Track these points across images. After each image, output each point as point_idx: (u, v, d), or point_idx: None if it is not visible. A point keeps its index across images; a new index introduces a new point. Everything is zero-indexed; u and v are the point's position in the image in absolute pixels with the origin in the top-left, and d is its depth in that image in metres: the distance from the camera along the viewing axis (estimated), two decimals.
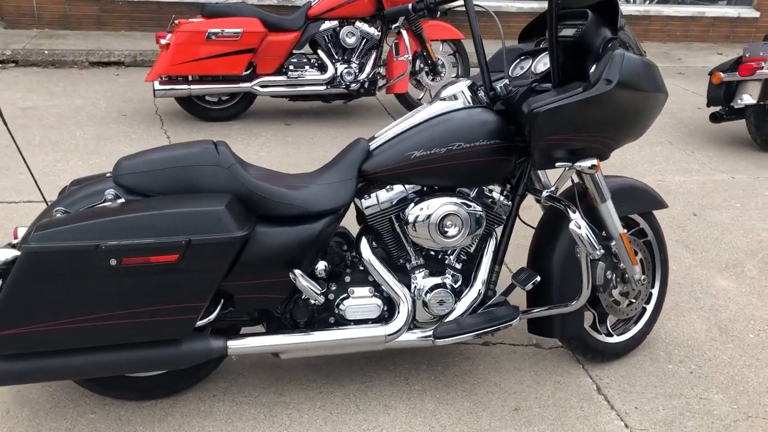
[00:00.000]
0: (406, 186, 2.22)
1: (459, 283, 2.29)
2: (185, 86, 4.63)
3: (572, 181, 2.41)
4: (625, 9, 8.34)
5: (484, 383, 2.42)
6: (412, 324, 2.24)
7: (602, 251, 2.16)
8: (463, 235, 2.20)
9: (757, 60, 4.70)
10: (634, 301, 2.55)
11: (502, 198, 2.30)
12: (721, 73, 4.79)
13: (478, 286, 2.27)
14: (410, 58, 4.92)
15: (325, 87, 4.86)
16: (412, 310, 2.20)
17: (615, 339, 2.55)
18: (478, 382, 2.43)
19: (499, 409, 2.31)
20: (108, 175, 2.09)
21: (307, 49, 4.90)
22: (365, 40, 4.91)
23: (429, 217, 2.16)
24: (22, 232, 1.95)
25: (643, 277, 2.46)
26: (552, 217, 2.42)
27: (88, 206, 1.95)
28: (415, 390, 2.38)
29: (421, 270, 2.27)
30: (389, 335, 2.18)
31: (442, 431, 2.20)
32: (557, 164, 2.18)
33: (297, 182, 2.16)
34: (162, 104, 5.12)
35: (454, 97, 2.26)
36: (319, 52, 4.87)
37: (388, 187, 2.22)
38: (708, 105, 4.99)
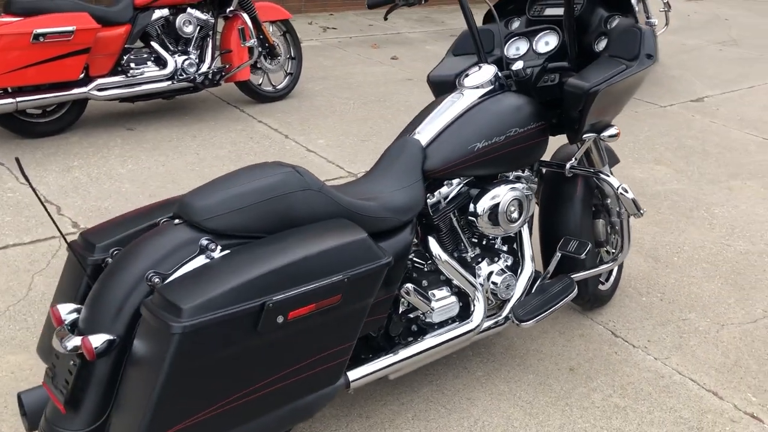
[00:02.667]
0: (461, 179, 2.22)
1: (511, 264, 2.36)
2: (8, 100, 3.87)
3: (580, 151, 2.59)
4: None
5: (529, 353, 2.55)
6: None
7: (644, 210, 2.40)
8: (524, 217, 2.28)
9: None
10: (614, 250, 2.85)
11: (533, 176, 2.41)
12: None
13: (529, 263, 2.37)
14: (256, 42, 4.68)
15: (168, 83, 4.42)
16: (485, 300, 2.24)
17: (606, 285, 2.85)
18: (524, 354, 2.55)
19: (558, 372, 2.46)
20: (164, 220, 1.78)
21: (139, 43, 4.39)
22: (200, 27, 4.54)
23: (497, 205, 2.19)
24: (67, 311, 1.62)
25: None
26: (555, 187, 2.59)
27: (184, 262, 1.64)
28: (481, 376, 2.42)
29: (480, 259, 2.29)
30: (476, 329, 2.19)
31: (531, 407, 2.30)
32: (585, 136, 2.35)
33: (369, 193, 2.04)
34: None
35: (480, 86, 2.29)
36: (154, 44, 4.39)
37: (447, 182, 2.20)
38: None
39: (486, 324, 2.24)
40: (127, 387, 1.54)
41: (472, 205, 2.19)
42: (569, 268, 2.51)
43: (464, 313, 2.23)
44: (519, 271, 2.36)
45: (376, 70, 6.17)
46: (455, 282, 2.19)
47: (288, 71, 5.21)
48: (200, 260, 1.65)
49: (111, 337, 1.54)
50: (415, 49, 7.06)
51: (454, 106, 2.23)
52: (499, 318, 2.29)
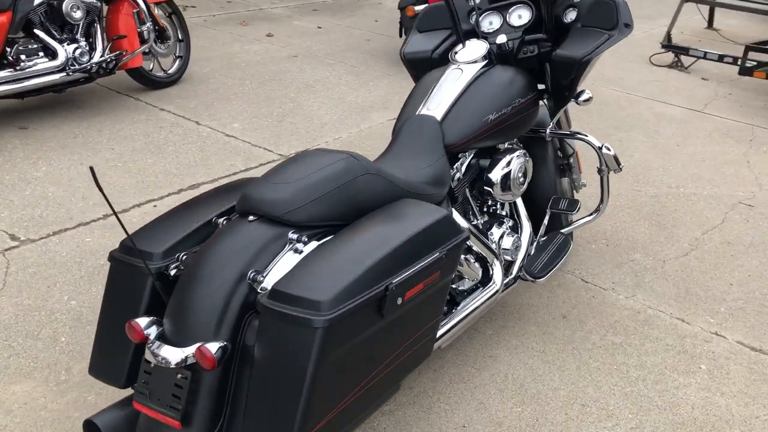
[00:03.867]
0: (471, 151, 2.33)
1: (513, 227, 2.52)
2: None
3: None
4: None
5: (524, 308, 2.75)
6: None
7: (623, 165, 2.64)
8: (527, 182, 2.44)
9: None
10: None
11: (519, 144, 2.57)
12: (413, 7, 5.49)
13: (527, 224, 2.54)
14: (151, 27, 4.41)
15: (61, 74, 4.06)
16: (501, 262, 2.38)
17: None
18: (519, 309, 2.74)
19: (554, 321, 2.69)
20: (224, 219, 1.74)
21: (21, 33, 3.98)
22: (88, 12, 4.20)
23: (509, 173, 2.33)
24: (145, 325, 1.55)
25: (583, 181, 3.03)
26: (531, 151, 2.77)
27: (276, 257, 1.62)
28: (491, 335, 2.58)
29: (489, 225, 2.43)
30: (499, 290, 2.33)
31: (545, 355, 2.50)
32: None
33: (403, 172, 2.08)
34: None
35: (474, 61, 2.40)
36: (39, 33, 4.01)
37: (461, 156, 2.30)
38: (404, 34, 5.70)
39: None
40: (257, 391, 1.50)
41: (486, 175, 2.31)
42: (555, 226, 2.72)
43: (484, 279, 2.36)
44: (519, 232, 2.53)
45: (256, 48, 6.04)
46: (475, 249, 2.31)
47: (177, 54, 4.97)
48: (290, 254, 1.64)
49: (223, 344, 1.50)
50: (285, 25, 6.97)
51: (458, 81, 2.31)
52: (510, 278, 2.45)
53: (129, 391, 1.69)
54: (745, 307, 2.86)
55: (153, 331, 1.54)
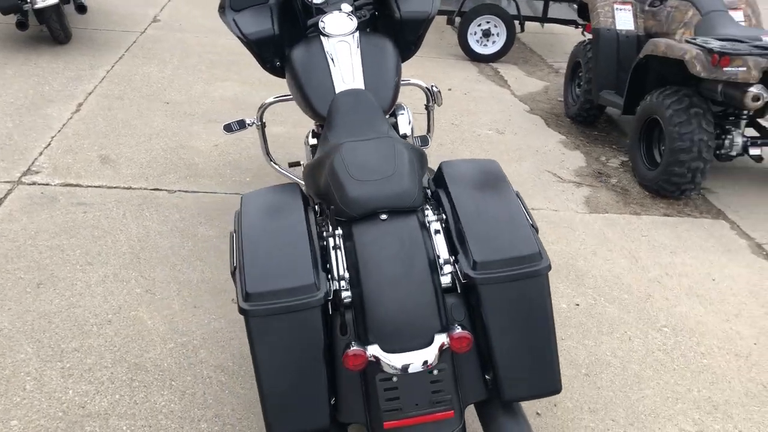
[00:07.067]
0: None
1: None
2: None
3: None
4: None
5: None
6: None
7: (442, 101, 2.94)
8: None
9: None
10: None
11: None
12: None
13: None
14: None
15: None
16: None
17: None
18: None
19: None
20: (337, 232, 1.75)
21: None
22: None
23: (411, 125, 2.60)
24: (358, 352, 1.55)
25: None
26: None
27: (434, 238, 1.77)
28: None
29: None
30: None
31: None
32: None
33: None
34: None
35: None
36: None
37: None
38: None
39: None
40: (507, 347, 1.63)
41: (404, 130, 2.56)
42: None
43: None
44: None
45: None
46: None
47: None
48: (440, 233, 1.75)
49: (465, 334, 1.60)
50: None
51: (352, 53, 2.36)
52: None
53: None
54: None
55: (375, 352, 1.57)
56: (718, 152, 3.77)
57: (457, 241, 1.71)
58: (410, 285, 1.62)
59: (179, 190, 3.38)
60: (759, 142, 3.81)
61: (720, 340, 2.66)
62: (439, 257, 1.69)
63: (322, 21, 2.47)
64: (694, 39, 3.53)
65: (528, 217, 1.76)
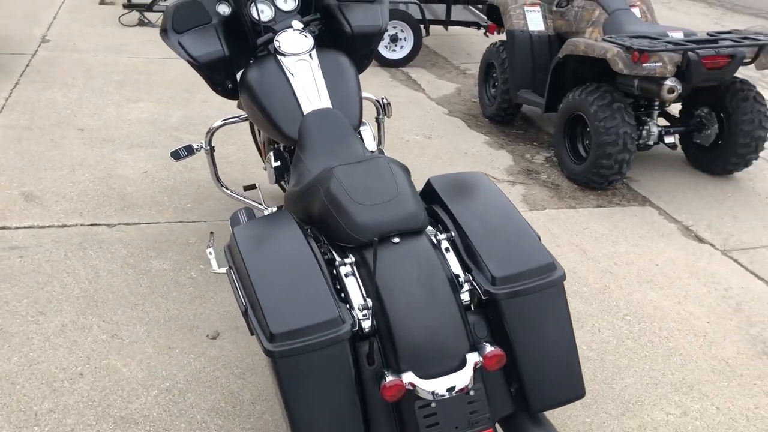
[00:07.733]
0: None
1: None
2: None
3: None
4: None
5: None
6: None
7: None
8: None
9: None
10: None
11: None
12: None
13: None
14: None
15: None
16: None
17: None
18: None
19: None
20: (347, 261, 1.74)
21: None
22: None
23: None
24: (395, 380, 1.53)
25: None
26: None
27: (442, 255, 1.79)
28: None
29: None
30: None
31: None
32: None
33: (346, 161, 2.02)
34: None
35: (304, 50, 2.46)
36: None
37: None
38: None
39: None
40: (532, 358, 1.67)
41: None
42: None
43: None
44: None
45: None
46: None
47: None
48: (450, 251, 1.77)
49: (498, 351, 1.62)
50: None
51: (312, 71, 2.37)
52: None
53: None
54: None
55: (412, 379, 1.54)
56: (637, 143, 4.01)
57: (467, 258, 1.74)
58: (436, 307, 1.61)
59: (120, 223, 3.19)
60: (672, 130, 4.11)
61: (677, 322, 2.83)
62: (458, 276, 1.71)
63: (276, 40, 2.44)
64: (611, 38, 3.73)
65: (529, 226, 1.80)
